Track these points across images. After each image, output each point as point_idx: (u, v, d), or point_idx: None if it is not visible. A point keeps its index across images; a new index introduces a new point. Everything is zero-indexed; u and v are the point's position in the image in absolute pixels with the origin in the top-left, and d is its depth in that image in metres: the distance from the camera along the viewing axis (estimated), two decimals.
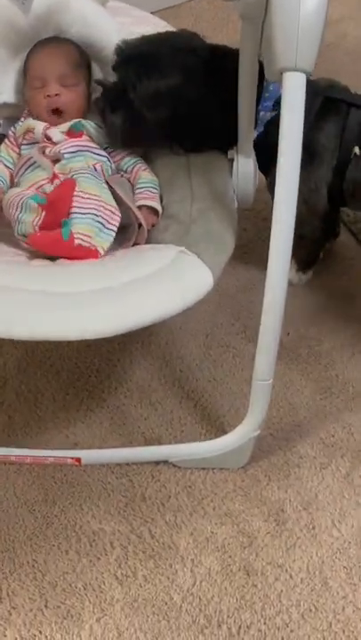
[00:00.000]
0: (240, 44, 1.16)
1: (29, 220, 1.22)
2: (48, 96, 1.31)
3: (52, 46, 1.34)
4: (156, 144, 1.36)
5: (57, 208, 1.21)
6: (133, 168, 1.35)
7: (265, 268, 1.53)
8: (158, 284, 1.08)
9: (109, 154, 1.34)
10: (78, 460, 1.29)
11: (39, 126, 1.32)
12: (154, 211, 1.29)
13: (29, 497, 1.26)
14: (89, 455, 1.29)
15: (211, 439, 1.31)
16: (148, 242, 1.24)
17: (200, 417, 1.37)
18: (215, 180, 1.26)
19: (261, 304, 1.51)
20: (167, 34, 1.35)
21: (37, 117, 1.34)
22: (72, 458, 1.29)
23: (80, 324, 1.02)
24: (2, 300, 1.04)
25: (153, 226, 1.27)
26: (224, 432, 1.31)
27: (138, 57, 1.29)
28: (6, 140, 1.35)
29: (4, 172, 1.33)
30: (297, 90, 1.02)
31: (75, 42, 1.37)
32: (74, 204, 1.20)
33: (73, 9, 1.37)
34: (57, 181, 1.26)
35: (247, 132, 1.25)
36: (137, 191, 1.31)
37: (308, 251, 1.48)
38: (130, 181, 1.33)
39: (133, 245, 1.25)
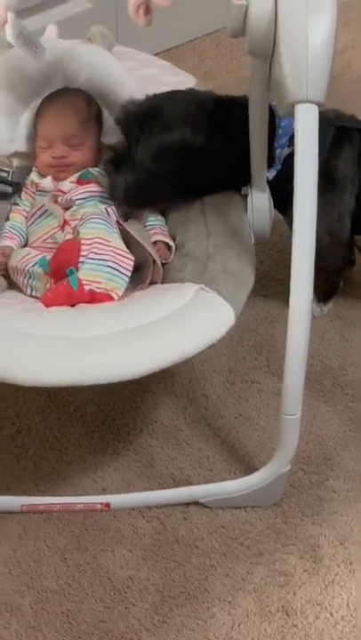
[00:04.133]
0: (249, 80, 1.16)
1: (42, 286, 1.23)
2: (53, 157, 1.32)
3: (59, 103, 1.34)
4: (165, 201, 1.34)
5: (62, 273, 1.19)
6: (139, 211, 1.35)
7: (284, 299, 1.52)
8: (179, 324, 1.07)
9: None
10: (108, 505, 1.27)
11: (47, 180, 1.33)
12: (167, 246, 1.28)
13: (60, 545, 1.24)
14: (118, 500, 1.28)
15: (241, 477, 1.29)
16: (164, 281, 1.24)
17: (228, 455, 1.35)
18: (230, 216, 1.25)
19: (283, 336, 1.50)
20: (172, 91, 1.34)
21: (44, 175, 1.34)
22: (101, 503, 1.27)
23: (102, 367, 1.02)
24: (22, 347, 1.03)
25: (166, 263, 1.26)
26: (254, 469, 1.29)
27: (141, 113, 1.29)
28: (24, 188, 1.36)
29: (22, 223, 1.33)
30: (310, 121, 1.02)
31: (84, 91, 1.37)
32: (82, 252, 1.19)
33: (80, 55, 1.39)
34: (67, 228, 1.27)
35: (260, 168, 1.25)
36: (147, 229, 1.31)
37: (331, 282, 1.47)
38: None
39: (150, 285, 1.24)
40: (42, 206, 1.31)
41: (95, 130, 1.35)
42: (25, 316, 1.12)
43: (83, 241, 1.20)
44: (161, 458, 1.34)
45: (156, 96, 1.30)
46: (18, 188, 1.37)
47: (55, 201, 1.31)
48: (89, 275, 1.18)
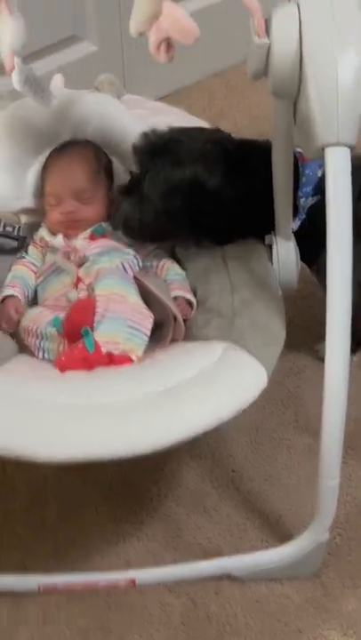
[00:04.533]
0: (272, 123, 1.09)
1: (54, 348, 1.14)
2: (62, 213, 1.25)
3: (66, 156, 1.28)
4: (174, 239, 1.27)
5: (77, 334, 1.11)
6: (159, 262, 1.27)
7: (309, 349, 1.45)
8: (207, 387, 0.99)
9: (136, 250, 1.26)
10: (133, 581, 1.18)
11: (58, 238, 1.26)
12: (188, 302, 1.21)
13: (82, 626, 1.15)
14: (144, 575, 1.18)
15: (275, 545, 1.20)
16: (187, 339, 1.15)
17: (260, 521, 1.26)
18: (255, 268, 1.17)
19: (311, 389, 1.42)
20: (195, 127, 1.28)
21: (55, 232, 1.27)
22: (126, 580, 1.18)
23: (124, 439, 0.93)
24: (31, 417, 0.95)
25: (187, 319, 1.18)
26: (289, 536, 1.20)
27: (158, 144, 1.22)
28: (33, 243, 1.29)
29: (30, 278, 1.26)
30: (341, 165, 0.95)
31: (92, 142, 1.30)
32: (97, 310, 1.12)
33: (87, 103, 1.32)
34: (81, 285, 1.19)
35: (286, 216, 1.17)
36: (166, 284, 1.24)
37: (359, 333, 1.38)
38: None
39: (171, 343, 1.16)
40: (53, 264, 1.23)
41: (105, 182, 1.28)
42: (37, 383, 1.03)
43: (98, 298, 1.12)
44: (188, 526, 1.25)
45: (177, 130, 1.23)
46: (24, 242, 1.30)
47: (68, 258, 1.23)
48: (106, 335, 1.09)
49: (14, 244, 1.31)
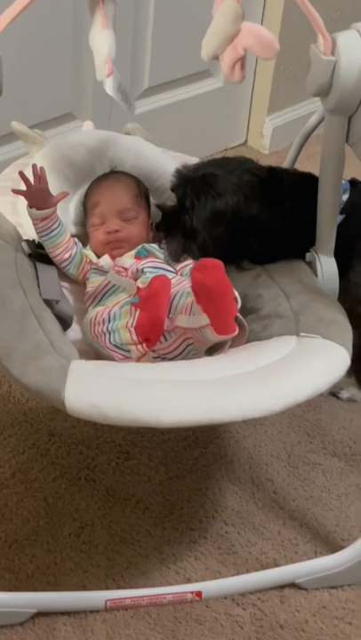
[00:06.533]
0: (324, 144, 1.19)
1: (122, 325, 1.15)
2: (108, 232, 1.29)
3: (110, 181, 1.34)
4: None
5: (153, 302, 1.12)
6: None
7: None
8: (300, 363, 1.03)
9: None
10: (199, 593, 1.16)
11: (105, 258, 1.29)
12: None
13: None
14: (210, 587, 1.17)
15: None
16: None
17: (310, 535, 1.27)
18: (303, 278, 1.24)
19: (331, 421, 1.47)
20: (223, 158, 1.38)
21: (99, 254, 1.30)
22: (192, 592, 1.16)
23: (243, 403, 0.95)
24: (160, 390, 0.96)
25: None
26: (340, 547, 1.21)
27: (195, 178, 1.31)
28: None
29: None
30: None
31: (131, 174, 1.37)
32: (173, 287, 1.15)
33: (125, 144, 1.40)
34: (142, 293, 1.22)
35: (329, 232, 1.25)
36: None
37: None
38: None
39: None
40: (108, 283, 1.24)
41: (146, 207, 1.34)
42: (132, 367, 1.05)
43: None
44: (241, 543, 1.25)
45: (208, 164, 1.32)
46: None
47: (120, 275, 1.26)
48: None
49: None
